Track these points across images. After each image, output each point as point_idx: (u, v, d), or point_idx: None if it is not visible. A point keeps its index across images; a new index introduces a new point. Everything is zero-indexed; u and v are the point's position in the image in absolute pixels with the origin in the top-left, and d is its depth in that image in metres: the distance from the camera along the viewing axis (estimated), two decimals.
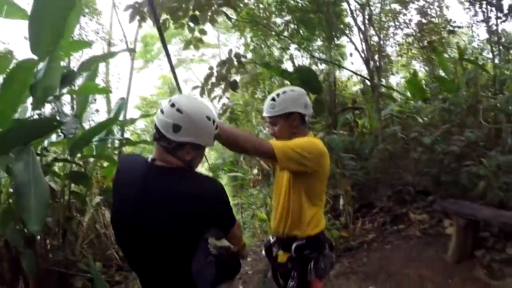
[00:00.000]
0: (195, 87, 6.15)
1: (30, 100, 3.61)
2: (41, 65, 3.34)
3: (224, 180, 9.90)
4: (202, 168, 10.18)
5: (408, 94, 6.54)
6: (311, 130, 7.05)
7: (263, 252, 2.33)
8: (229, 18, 5.49)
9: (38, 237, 3.56)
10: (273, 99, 2.07)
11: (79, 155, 4.70)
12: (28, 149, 3.01)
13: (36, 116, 3.51)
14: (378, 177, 5.60)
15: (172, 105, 1.41)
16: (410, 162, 5.19)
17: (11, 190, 3.60)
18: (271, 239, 2.24)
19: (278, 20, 6.87)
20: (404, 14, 6.79)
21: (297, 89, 2.15)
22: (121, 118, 5.54)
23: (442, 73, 6.55)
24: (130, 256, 1.58)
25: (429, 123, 5.58)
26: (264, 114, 2.15)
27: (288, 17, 6.68)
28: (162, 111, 1.43)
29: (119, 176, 1.60)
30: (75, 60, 5.91)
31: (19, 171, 2.85)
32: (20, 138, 3.01)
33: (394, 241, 4.56)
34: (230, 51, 5.93)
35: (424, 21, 6.50)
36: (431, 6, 6.92)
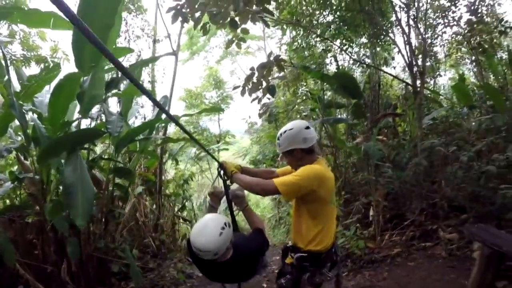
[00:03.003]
0: (236, 87, 6.36)
1: (76, 104, 4.06)
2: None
3: None
4: (243, 161, 10.52)
5: (455, 99, 6.22)
6: (353, 130, 7.03)
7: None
8: (267, 25, 5.55)
9: None
10: (278, 138, 2.44)
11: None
12: (76, 155, 3.44)
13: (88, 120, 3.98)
14: (413, 189, 5.46)
15: (207, 251, 2.08)
16: (448, 175, 4.99)
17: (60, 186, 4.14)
18: (290, 243, 2.60)
19: (321, 20, 6.75)
20: (453, 12, 6.34)
21: (296, 126, 2.40)
22: (164, 114, 5.88)
23: (491, 77, 6.15)
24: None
25: (474, 131, 5.28)
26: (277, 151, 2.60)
27: (330, 17, 6.56)
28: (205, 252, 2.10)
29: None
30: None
31: (68, 174, 3.30)
32: (70, 143, 3.43)
33: (419, 259, 4.49)
34: (270, 53, 6.04)
35: (474, 19, 6.00)
36: (482, 3, 6.39)
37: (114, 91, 4.71)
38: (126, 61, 5.96)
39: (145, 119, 6.43)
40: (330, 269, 2.46)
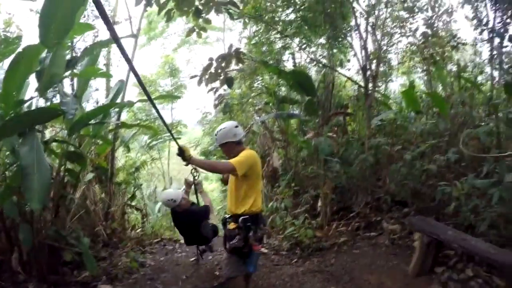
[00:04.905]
0: (193, 76, 6.33)
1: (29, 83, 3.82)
2: (46, 51, 3.52)
3: None
4: (194, 151, 10.42)
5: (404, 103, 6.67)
6: (305, 126, 7.31)
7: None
8: (231, 16, 5.60)
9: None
10: (216, 134, 3.28)
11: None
12: (33, 134, 3.25)
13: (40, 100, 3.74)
14: (360, 183, 5.84)
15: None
16: (392, 172, 5.37)
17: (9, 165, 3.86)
18: (226, 216, 3.31)
19: (283, 17, 6.90)
20: (411, 23, 6.82)
21: (227, 126, 3.25)
22: (119, 100, 5.69)
23: (439, 87, 6.69)
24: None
25: (418, 135, 5.72)
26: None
27: (292, 16, 6.75)
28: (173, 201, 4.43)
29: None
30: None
31: (24, 154, 3.12)
32: (26, 123, 3.23)
33: (363, 247, 4.86)
34: (231, 46, 6.07)
35: (429, 32, 6.54)
36: (439, 18, 6.93)
37: (70, 71, 4.47)
38: (82, 40, 5.63)
39: (97, 103, 6.13)
40: (264, 225, 3.27)
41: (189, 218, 4.34)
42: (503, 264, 2.98)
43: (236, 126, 3.26)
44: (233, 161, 2.98)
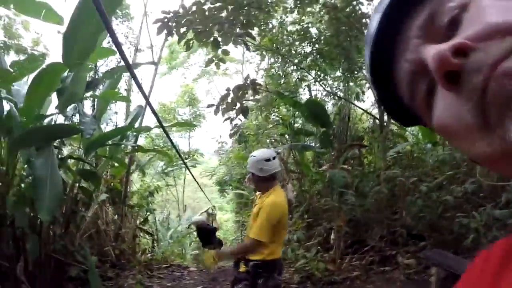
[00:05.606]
0: (210, 105, 6.49)
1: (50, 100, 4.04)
2: (68, 71, 3.73)
3: (230, 195, 10.22)
4: (210, 181, 10.49)
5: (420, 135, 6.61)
6: (321, 158, 7.29)
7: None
8: (248, 48, 5.81)
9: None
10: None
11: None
12: (49, 148, 3.39)
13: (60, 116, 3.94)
14: (375, 216, 5.69)
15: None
16: (408, 204, 5.20)
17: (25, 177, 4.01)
18: None
19: (299, 50, 7.10)
20: None
21: (258, 155, 2.81)
22: (137, 124, 5.88)
23: None
24: None
25: (436, 166, 5.60)
26: None
27: (308, 49, 6.95)
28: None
29: None
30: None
31: (38, 166, 3.25)
32: (43, 136, 3.39)
33: (377, 282, 4.65)
34: (247, 77, 6.26)
35: None
36: None
37: (91, 92, 4.70)
38: (105, 65, 5.95)
39: (116, 126, 6.35)
40: (279, 274, 2.87)
41: (205, 232, 5.09)
42: None
43: (268, 160, 2.73)
44: (253, 235, 2.66)
